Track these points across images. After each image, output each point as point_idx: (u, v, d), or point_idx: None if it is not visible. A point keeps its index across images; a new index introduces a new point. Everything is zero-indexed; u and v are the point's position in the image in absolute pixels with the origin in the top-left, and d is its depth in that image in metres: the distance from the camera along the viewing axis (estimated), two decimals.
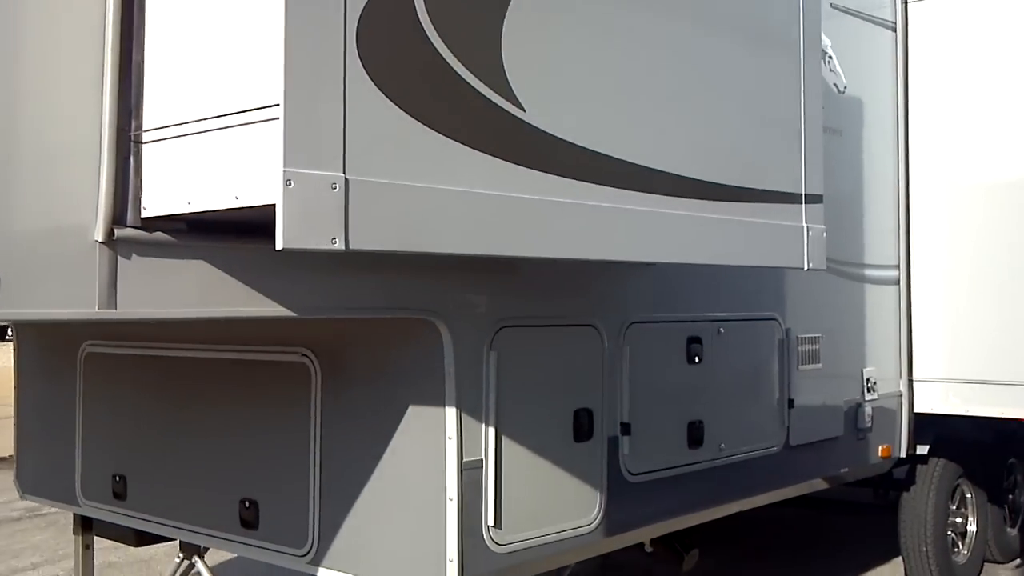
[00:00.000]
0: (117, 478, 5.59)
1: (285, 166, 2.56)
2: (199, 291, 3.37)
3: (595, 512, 4.72)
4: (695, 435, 5.28)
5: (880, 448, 6.84)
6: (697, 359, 5.30)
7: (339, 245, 2.64)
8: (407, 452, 4.27)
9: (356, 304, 3.81)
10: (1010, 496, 8.37)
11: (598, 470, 4.74)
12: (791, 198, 4.40)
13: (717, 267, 5.31)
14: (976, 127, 6.97)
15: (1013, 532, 8.45)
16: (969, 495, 7.87)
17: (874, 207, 6.90)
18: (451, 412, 4.12)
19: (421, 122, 2.88)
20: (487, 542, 4.23)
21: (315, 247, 2.61)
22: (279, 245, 2.56)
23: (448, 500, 4.12)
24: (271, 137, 2.63)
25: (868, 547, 8.39)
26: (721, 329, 5.48)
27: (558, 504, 4.55)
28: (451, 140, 2.96)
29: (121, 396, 5.65)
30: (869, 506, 8.16)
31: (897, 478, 7.63)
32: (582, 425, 4.64)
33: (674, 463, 5.17)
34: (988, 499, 7.98)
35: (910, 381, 7.10)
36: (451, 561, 4.10)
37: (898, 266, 7.09)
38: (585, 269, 4.67)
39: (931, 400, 7.08)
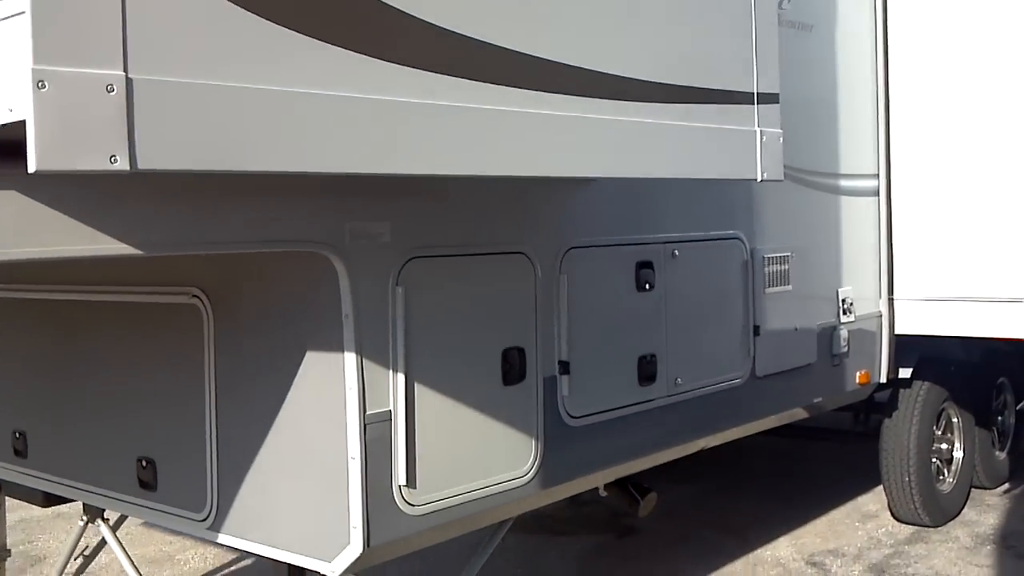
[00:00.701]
0: (17, 434, 5.03)
1: (35, 62, 1.92)
2: (14, 228, 2.75)
3: (530, 462, 4.16)
4: (646, 370, 4.70)
5: (858, 374, 6.28)
6: (648, 286, 4.70)
7: (121, 165, 2.02)
8: (305, 406, 3.70)
9: (223, 237, 3.18)
10: (999, 418, 7.84)
11: (532, 415, 4.17)
12: (740, 98, 3.75)
13: (669, 182, 4.68)
14: (962, 23, 6.27)
15: (1002, 456, 7.94)
16: (955, 419, 7.34)
17: (850, 111, 6.24)
18: (350, 359, 3.53)
19: (236, 2, 2.22)
20: (399, 504, 3.67)
21: (86, 168, 1.98)
22: (32, 166, 1.93)
23: (350, 459, 3.55)
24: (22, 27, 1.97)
25: (851, 475, 7.88)
26: (676, 251, 4.87)
27: (486, 456, 3.98)
28: (282, 27, 2.30)
29: (14, 343, 5.07)
30: (851, 433, 7.63)
31: (880, 401, 7.09)
32: (512, 366, 4.06)
33: (622, 402, 4.60)
34: (976, 422, 7.44)
35: (890, 300, 6.51)
36: (355, 528, 3.55)
37: (877, 176, 6.45)
38: (512, 189, 4.05)
39: (913, 321, 6.49)
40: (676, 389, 4.88)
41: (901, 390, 6.96)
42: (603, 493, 5.31)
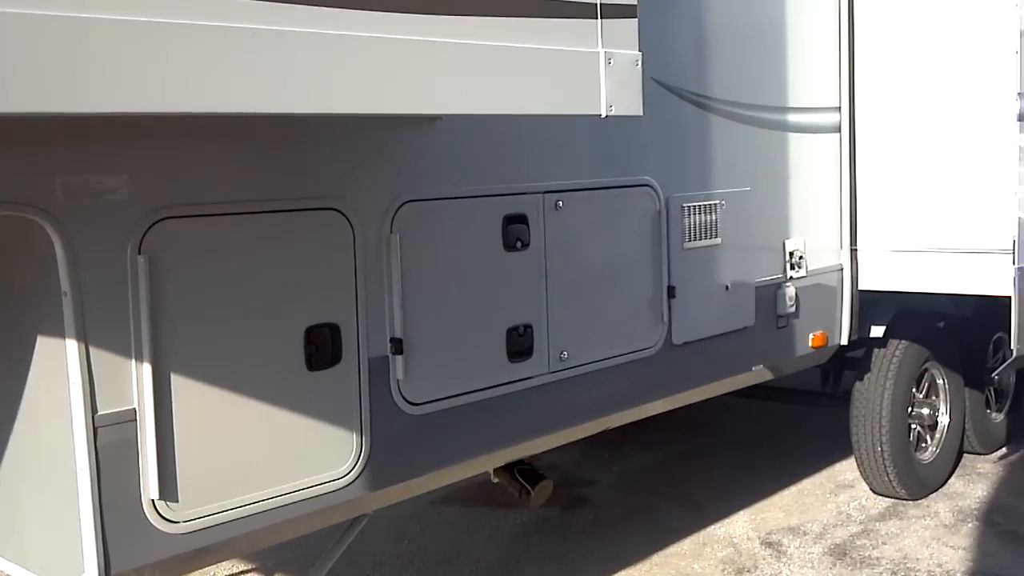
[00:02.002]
0: None
1: None
2: None
3: (351, 460, 3.41)
4: (518, 344, 3.90)
5: (811, 336, 5.41)
6: (520, 244, 3.88)
7: None
8: (38, 404, 2.98)
9: None
10: (995, 377, 6.89)
11: (352, 404, 3.41)
12: (575, 10, 2.88)
13: (550, 117, 3.83)
14: None
15: (998, 418, 7.01)
16: (940, 380, 6.43)
17: (805, 35, 5.30)
18: (72, 347, 2.79)
19: None
20: (153, 521, 2.94)
21: None
22: None
23: (78, 468, 2.81)
24: None
25: (830, 440, 6.97)
26: (560, 202, 4.03)
27: (284, 456, 3.23)
28: None
29: None
30: (828, 395, 6.75)
31: (855, 358, 6.20)
32: (319, 347, 3.29)
33: (485, 383, 3.82)
34: (966, 383, 6.52)
35: (853, 252, 5.60)
36: (89, 551, 2.83)
37: (839, 109, 5.51)
38: (313, 129, 3.24)
39: (881, 275, 5.58)
40: (562, 364, 4.08)
41: (875, 350, 6.07)
42: (494, 480, 4.55)
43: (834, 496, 6.40)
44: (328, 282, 3.31)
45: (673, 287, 4.52)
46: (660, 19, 4.45)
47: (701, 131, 4.67)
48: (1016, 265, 5.01)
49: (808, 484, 6.63)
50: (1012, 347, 5.11)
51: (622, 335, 4.34)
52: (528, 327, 3.93)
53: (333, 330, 3.32)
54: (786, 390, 6.71)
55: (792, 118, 5.22)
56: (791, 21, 5.18)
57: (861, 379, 6.12)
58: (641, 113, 3.09)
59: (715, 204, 4.75)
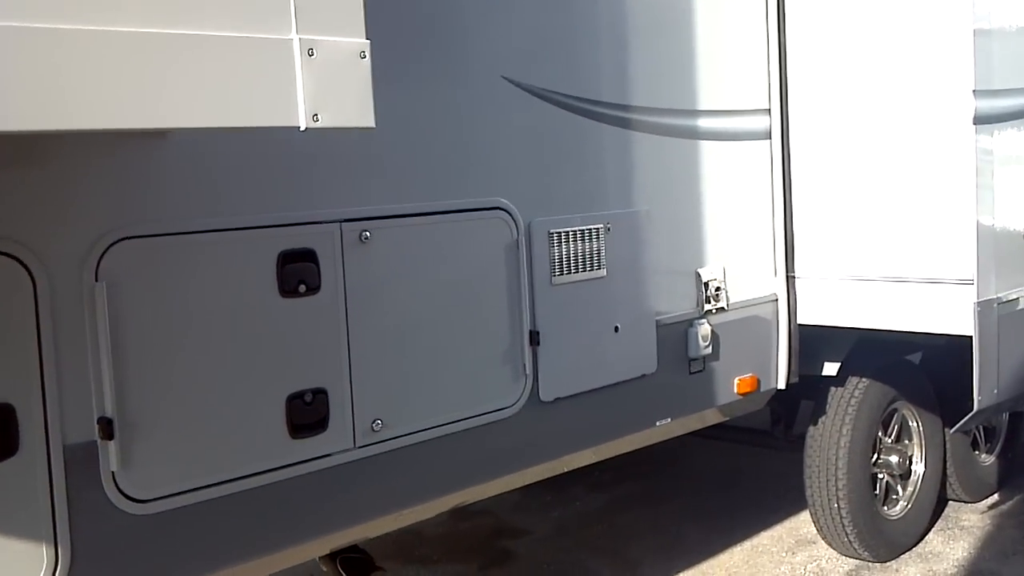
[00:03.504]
0: None
1: None
2: None
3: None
4: (306, 415, 3.01)
5: (736, 380, 4.43)
6: (304, 288, 2.97)
7: None
8: None
9: None
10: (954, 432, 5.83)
11: (39, 504, 2.52)
12: None
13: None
14: None
15: (988, 461, 5.96)
16: (913, 423, 5.41)
17: (718, 20, 4.33)
18: None
19: None
20: None
21: None
22: None
23: None
24: None
25: (791, 486, 5.93)
26: (367, 233, 3.13)
27: None
28: None
29: None
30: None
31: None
32: None
33: (252, 467, 2.92)
34: (945, 424, 5.48)
35: (790, 279, 4.61)
36: None
37: (768, 111, 4.53)
38: None
39: (823, 307, 4.59)
40: (375, 437, 3.17)
41: (831, 389, 5.08)
42: (323, 569, 3.65)
43: (791, 556, 5.42)
44: None
45: (536, 332, 3.59)
46: (515, 2, 3.54)
47: (577, 141, 3.74)
48: (977, 299, 4.01)
49: (764, 539, 5.65)
50: (974, 399, 4.10)
51: (466, 395, 3.42)
52: (319, 392, 3.03)
53: (4, 412, 2.44)
54: (742, 430, 5.72)
55: (706, 123, 4.25)
56: (703, 4, 4.22)
57: (815, 423, 5.14)
58: (371, 124, 2.18)
59: (597, 229, 3.81)
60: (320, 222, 3.03)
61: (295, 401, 2.98)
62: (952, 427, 5.39)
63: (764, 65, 4.50)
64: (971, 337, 4.04)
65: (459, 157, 3.40)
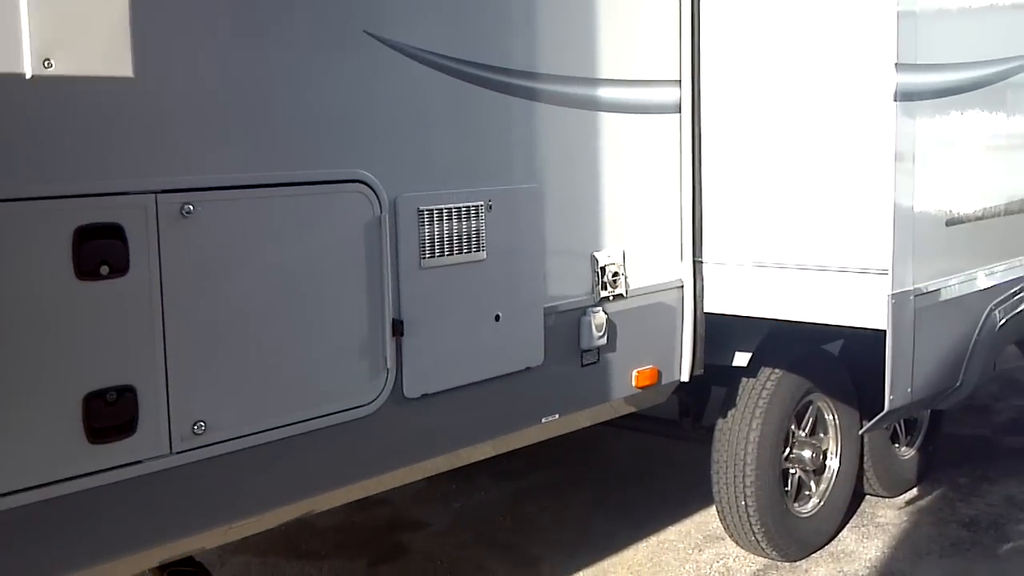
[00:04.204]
0: None
1: None
2: None
3: None
4: (109, 417, 2.55)
5: (634, 373, 4.03)
6: (108, 269, 2.51)
7: None
8: None
9: None
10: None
11: None
12: None
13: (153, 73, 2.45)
14: None
15: (908, 454, 5.65)
16: (829, 416, 5.06)
17: None
18: None
19: None
20: None
21: None
22: None
23: None
24: None
25: (706, 478, 5.58)
26: (189, 207, 2.66)
27: None
28: None
29: None
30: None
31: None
32: None
33: (39, 477, 2.44)
34: (863, 416, 5.14)
35: (697, 265, 4.21)
36: None
37: (678, 82, 4.10)
38: None
39: (731, 294, 4.20)
40: (197, 442, 2.71)
41: (742, 380, 4.71)
42: None
43: (697, 553, 5.06)
44: None
45: (401, 321, 3.15)
46: None
47: (453, 108, 3.28)
48: (892, 291, 3.63)
49: (672, 534, 5.29)
50: (885, 398, 3.73)
51: (313, 392, 2.97)
52: (126, 391, 2.56)
53: None
54: (652, 419, 5.34)
55: (608, 93, 3.82)
56: None
57: (724, 416, 4.77)
58: (128, 72, 1.71)
59: (477, 207, 3.37)
60: (130, 192, 2.55)
61: (95, 401, 2.51)
62: (868, 414, 5.07)
63: (675, 31, 4.06)
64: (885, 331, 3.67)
65: (310, 122, 2.93)
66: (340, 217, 3.01)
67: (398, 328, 3.14)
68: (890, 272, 3.59)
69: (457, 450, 3.42)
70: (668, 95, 4.06)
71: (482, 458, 3.63)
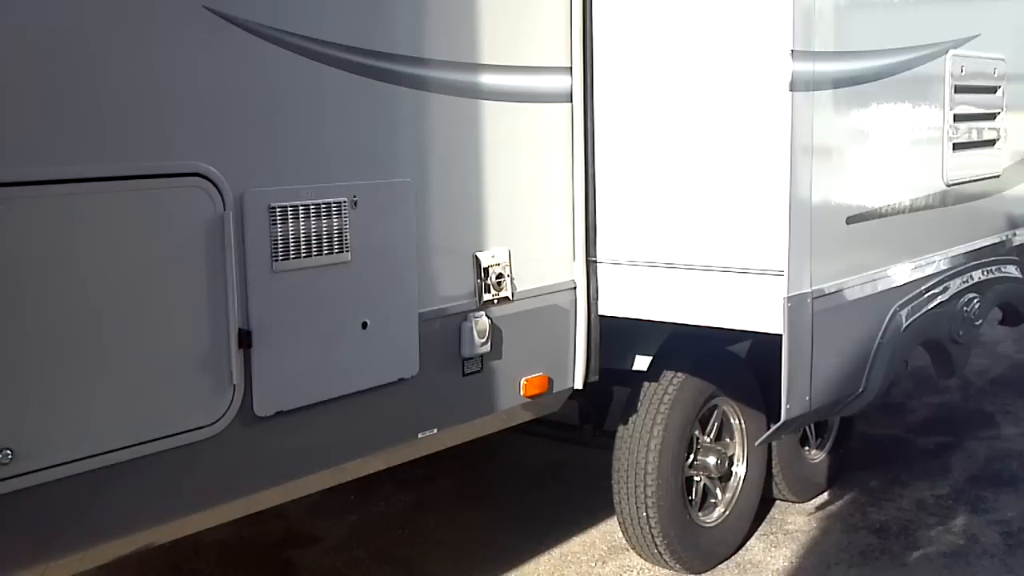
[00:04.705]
0: None
1: None
2: None
3: None
4: None
5: (522, 381, 3.75)
6: None
7: None
8: None
9: None
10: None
11: None
12: None
13: None
14: None
15: (818, 457, 5.45)
16: (735, 420, 4.83)
17: None
18: None
19: None
20: None
21: None
22: None
23: None
24: None
25: (606, 485, 5.32)
26: None
27: None
28: None
29: None
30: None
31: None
32: None
33: None
34: (771, 420, 4.90)
35: (591, 264, 3.94)
36: None
37: (569, 69, 3.83)
38: None
39: (626, 296, 3.93)
40: (1, 472, 2.36)
41: (644, 385, 4.46)
42: None
43: (600, 566, 4.80)
44: None
45: (248, 332, 2.82)
46: None
47: (312, 95, 2.96)
48: (788, 293, 3.39)
49: (576, 546, 5.02)
50: (781, 407, 3.50)
51: (143, 413, 2.63)
52: None
53: None
54: (555, 424, 5.07)
55: (492, 80, 3.52)
56: None
57: (625, 423, 4.52)
58: None
59: (339, 203, 3.05)
60: None
61: None
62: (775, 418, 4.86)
63: (566, 15, 3.78)
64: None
65: (136, 107, 2.59)
66: (174, 215, 2.67)
67: (245, 339, 2.81)
68: (786, 273, 3.35)
69: (319, 472, 3.10)
70: (558, 83, 3.78)
71: (353, 478, 3.31)
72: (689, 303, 3.67)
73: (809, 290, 3.47)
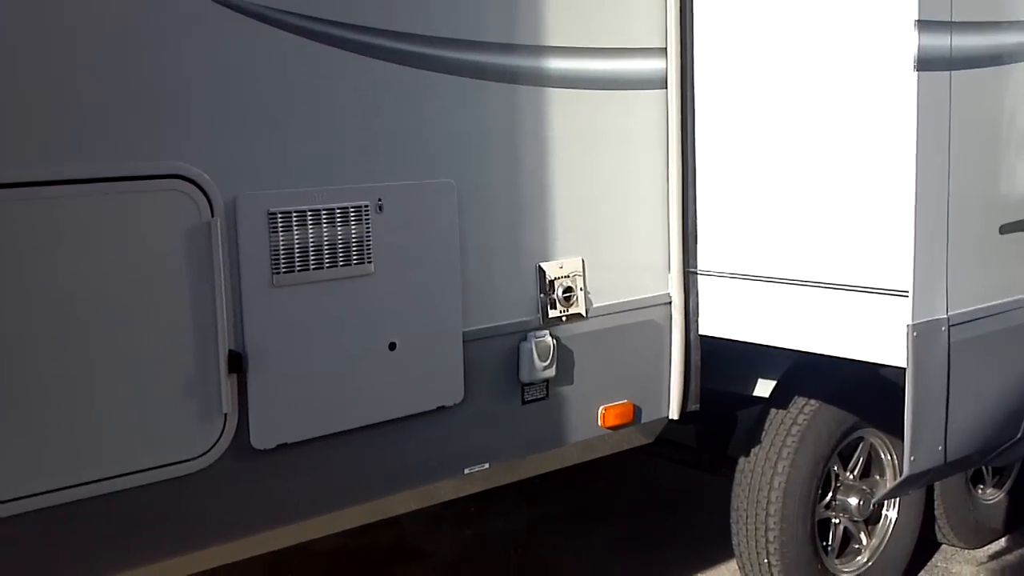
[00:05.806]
0: None
1: None
2: None
3: None
4: None
5: (600, 410, 3.21)
6: None
7: None
8: None
9: None
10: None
11: None
12: None
13: None
14: None
15: (995, 497, 4.60)
16: (885, 455, 4.09)
17: None
18: None
19: None
20: None
21: None
22: None
23: None
24: None
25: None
26: None
27: None
28: None
29: None
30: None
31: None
32: None
33: None
34: None
35: (689, 277, 3.34)
36: None
37: (665, 51, 3.24)
38: None
39: (729, 314, 3.31)
40: None
41: (770, 412, 3.83)
42: None
43: None
44: None
45: (240, 354, 2.45)
46: None
47: (324, 82, 2.56)
48: (913, 319, 2.69)
49: None
50: (905, 461, 2.80)
51: (117, 445, 2.31)
52: None
53: None
54: (680, 447, 4.51)
55: (557, 64, 3.00)
56: None
57: (747, 455, 3.90)
58: None
59: (359, 208, 2.63)
60: None
61: None
62: None
63: None
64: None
65: (113, 101, 2.27)
66: (152, 223, 2.33)
67: (236, 363, 2.44)
68: (911, 294, 2.66)
69: (336, 511, 2.70)
70: (648, 66, 3.21)
71: (380, 518, 2.89)
72: (798, 325, 3.02)
73: (945, 316, 2.75)
